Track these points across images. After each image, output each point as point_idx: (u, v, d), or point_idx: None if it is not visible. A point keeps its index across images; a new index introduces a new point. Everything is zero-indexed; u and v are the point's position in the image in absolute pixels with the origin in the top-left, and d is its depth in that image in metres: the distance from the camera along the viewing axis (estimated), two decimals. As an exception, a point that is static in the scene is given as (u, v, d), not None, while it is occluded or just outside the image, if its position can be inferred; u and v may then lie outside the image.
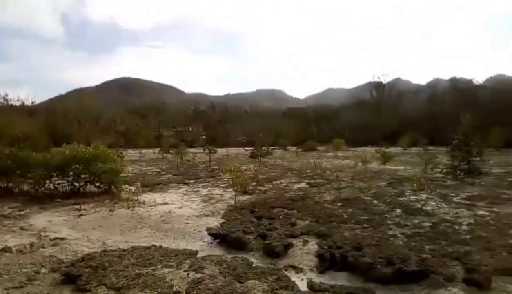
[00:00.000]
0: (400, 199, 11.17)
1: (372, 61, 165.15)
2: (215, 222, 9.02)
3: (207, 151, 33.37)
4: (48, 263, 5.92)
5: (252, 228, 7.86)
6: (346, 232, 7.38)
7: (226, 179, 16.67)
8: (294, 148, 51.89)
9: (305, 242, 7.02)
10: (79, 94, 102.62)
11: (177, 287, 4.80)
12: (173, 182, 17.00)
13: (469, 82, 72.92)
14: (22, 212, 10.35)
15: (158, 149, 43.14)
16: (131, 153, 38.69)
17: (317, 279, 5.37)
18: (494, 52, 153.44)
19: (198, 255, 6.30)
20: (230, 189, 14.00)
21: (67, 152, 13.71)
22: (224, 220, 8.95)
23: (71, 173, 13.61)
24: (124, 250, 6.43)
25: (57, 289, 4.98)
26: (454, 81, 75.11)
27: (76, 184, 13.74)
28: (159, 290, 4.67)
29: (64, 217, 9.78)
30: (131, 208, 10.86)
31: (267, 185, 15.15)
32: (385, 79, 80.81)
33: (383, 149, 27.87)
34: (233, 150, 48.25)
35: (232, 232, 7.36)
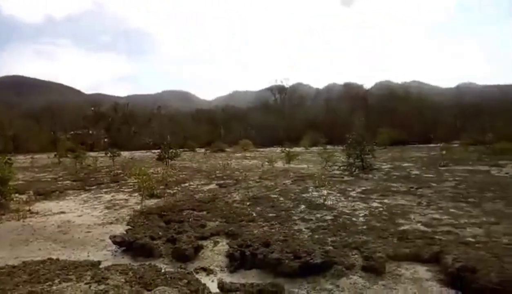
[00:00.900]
0: (304, 195, 11.78)
1: (276, 65, 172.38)
2: (120, 229, 8.51)
3: (109, 154, 31.53)
4: None
5: (160, 233, 7.59)
6: (255, 230, 7.53)
7: (131, 184, 15.90)
8: (203, 150, 51.61)
9: (216, 243, 7.01)
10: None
11: (77, 302, 4.41)
12: (72, 189, 15.67)
13: (360, 87, 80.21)
14: None
15: (54, 153, 39.49)
16: (22, 159, 34.78)
17: (227, 279, 5.38)
18: (380, 60, 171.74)
19: (101, 266, 5.87)
20: (136, 194, 13.38)
21: None
22: (130, 227, 8.49)
23: None
24: (14, 267, 5.72)
25: None
26: (347, 85, 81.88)
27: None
28: (55, 308, 4.24)
29: None
30: (22, 219, 9.74)
31: (175, 188, 14.80)
32: (287, 83, 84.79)
33: (287, 149, 29.23)
34: (139, 153, 46.29)
35: (138, 239, 7.02)
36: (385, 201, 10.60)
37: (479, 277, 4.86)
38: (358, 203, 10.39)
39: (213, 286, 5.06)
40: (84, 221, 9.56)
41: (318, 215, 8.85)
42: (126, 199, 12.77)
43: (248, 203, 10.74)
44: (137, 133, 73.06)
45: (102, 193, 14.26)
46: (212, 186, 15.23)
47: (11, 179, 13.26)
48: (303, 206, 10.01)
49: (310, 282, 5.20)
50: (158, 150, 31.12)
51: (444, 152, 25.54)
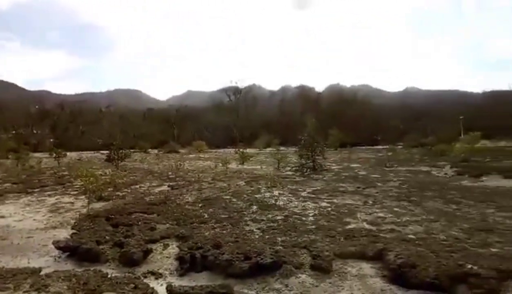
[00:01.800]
0: (257, 196, 11.87)
1: (230, 66, 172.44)
2: (64, 234, 8.11)
3: (55, 155, 29.98)
4: None
5: (107, 237, 7.31)
6: (207, 232, 7.48)
7: (78, 186, 15.20)
8: (155, 151, 50.46)
9: (166, 246, 6.87)
10: None
11: (13, 312, 4.15)
12: (12, 192, 14.69)
13: (312, 89, 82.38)
14: None
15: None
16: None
17: (177, 282, 5.29)
18: (332, 64, 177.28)
19: (42, 272, 5.55)
20: (83, 197, 12.81)
21: None
22: (75, 231, 8.12)
23: None
24: None
25: None
26: (300, 88, 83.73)
27: None
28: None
29: None
30: (-49, 226, 9.00)
31: (125, 190, 14.34)
32: (241, 84, 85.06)
33: (241, 150, 29.34)
34: (87, 154, 44.36)
35: (83, 243, 6.72)
36: (334, 200, 10.95)
37: (418, 272, 5.14)
38: (308, 203, 10.64)
39: (161, 290, 4.97)
40: (25, 226, 9.01)
41: (270, 216, 8.96)
42: (71, 202, 12.20)
43: (200, 205, 10.65)
44: (86, 132, 70.00)
45: (45, 196, 13.51)
46: (164, 187, 14.94)
47: None
48: (255, 207, 10.08)
49: (259, 283, 5.25)
50: (108, 151, 30.03)
51: (389, 153, 26.81)
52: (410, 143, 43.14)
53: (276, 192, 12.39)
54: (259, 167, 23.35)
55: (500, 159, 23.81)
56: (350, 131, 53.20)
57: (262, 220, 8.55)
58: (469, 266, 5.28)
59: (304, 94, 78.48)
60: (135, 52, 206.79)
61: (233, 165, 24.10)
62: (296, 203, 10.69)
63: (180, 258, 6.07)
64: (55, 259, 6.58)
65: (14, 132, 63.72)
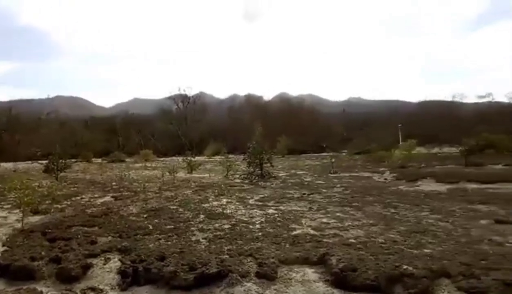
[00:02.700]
0: (204, 205, 11.77)
1: (178, 74, 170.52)
2: (-7, 251, 7.52)
3: (-15, 166, 27.74)
4: None
5: (43, 253, 6.88)
6: (151, 244, 7.29)
7: (12, 199, 14.15)
8: (99, 160, 48.34)
9: (107, 260, 6.60)
10: None
11: None
12: None
13: (260, 98, 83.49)
14: None
15: None
16: None
17: (118, 297, 5.11)
18: (280, 74, 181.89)
19: (-35, 296, 5.12)
20: (17, 210, 11.94)
21: None
22: (7, 248, 7.56)
23: None
24: None
25: None
26: (248, 96, 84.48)
27: None
28: None
29: None
30: None
31: (65, 203, 13.58)
32: (189, 92, 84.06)
33: (189, 158, 28.97)
34: (24, 165, 41.48)
35: (15, 261, 6.28)
36: (281, 207, 11.13)
37: (358, 275, 5.37)
38: (255, 210, 10.73)
39: (101, 307, 4.76)
40: None
41: (217, 225, 8.92)
42: (4, 217, 11.35)
43: (145, 216, 10.36)
44: (22, 141, 65.42)
45: (-28, 211, 12.44)
46: (107, 199, 14.36)
47: None
48: (202, 216, 9.99)
49: (204, 293, 5.20)
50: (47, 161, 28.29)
51: (333, 160, 27.77)
52: (353, 150, 45.00)
53: (224, 201, 12.37)
54: (207, 175, 23.18)
55: (434, 165, 25.57)
56: (297, 138, 54.42)
57: (209, 229, 8.49)
58: (405, 267, 5.60)
59: (253, 102, 79.31)
60: (78, 58, 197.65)
61: (181, 174, 23.71)
62: (243, 211, 10.74)
63: (122, 272, 5.86)
64: (-18, 279, 6.08)
65: None
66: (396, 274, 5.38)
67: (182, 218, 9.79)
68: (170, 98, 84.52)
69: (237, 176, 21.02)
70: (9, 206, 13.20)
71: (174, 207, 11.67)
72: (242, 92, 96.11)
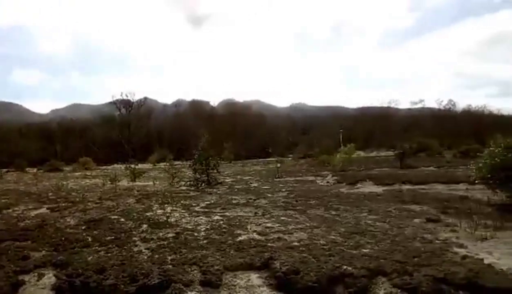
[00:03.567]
0: (148, 214, 11.43)
1: (121, 79, 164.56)
2: None
3: None
4: None
5: (-33, 272, 6.31)
6: (89, 256, 6.94)
7: None
8: (34, 169, 45.26)
9: (40, 276, 6.18)
10: None
11: None
12: None
13: (207, 103, 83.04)
14: None
15: None
16: None
17: (53, 316, 4.81)
18: (227, 79, 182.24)
19: None
20: None
21: None
22: None
23: None
24: None
25: None
26: (194, 102, 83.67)
27: None
28: None
29: None
30: None
31: (-7, 216, 12.56)
32: (132, 97, 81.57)
33: (132, 166, 28.03)
34: None
35: None
36: (226, 213, 11.11)
37: (301, 278, 5.50)
38: (201, 217, 10.61)
39: (33, 327, 4.46)
40: None
41: (160, 234, 8.70)
42: None
43: (83, 227, 9.84)
44: None
45: None
46: (42, 210, 13.46)
47: None
48: (145, 226, 9.69)
49: (147, 305, 5.06)
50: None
51: (279, 165, 28.29)
52: (298, 154, 46.17)
53: (168, 209, 12.10)
54: (151, 183, 22.55)
55: (372, 167, 26.92)
56: (244, 144, 54.85)
57: (152, 239, 8.26)
58: (345, 267, 5.84)
59: (199, 108, 78.68)
60: (11, 60, 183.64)
61: (123, 183, 22.87)
62: (188, 218, 10.58)
63: (57, 288, 5.53)
64: None
65: None
66: (336, 274, 5.59)
67: (123, 229, 9.43)
68: (112, 103, 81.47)
69: (183, 183, 20.68)
70: None
71: (116, 217, 11.21)
72: (188, 97, 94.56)
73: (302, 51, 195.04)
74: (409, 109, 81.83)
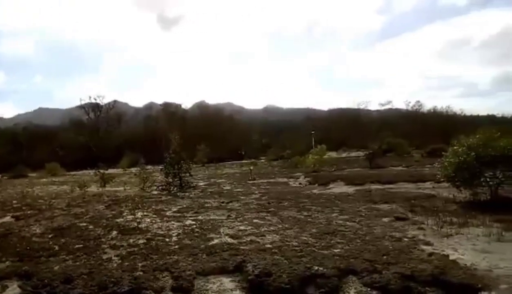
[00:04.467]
0: (118, 220, 11.18)
1: (89, 83, 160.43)
2: None
3: None
4: None
5: None
6: (56, 266, 6.71)
7: None
8: (-2, 176, 43.39)
9: (4, 288, 5.94)
10: None
11: None
12: None
13: (178, 106, 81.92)
14: None
15: None
16: None
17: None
18: (198, 82, 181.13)
19: None
20: None
21: None
22: None
23: None
24: None
25: None
26: (166, 105, 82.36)
27: None
28: None
29: None
30: None
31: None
32: (102, 101, 79.58)
33: (102, 171, 27.34)
34: None
35: None
36: (199, 217, 11.02)
37: (273, 280, 5.53)
38: (172, 222, 10.48)
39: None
40: None
41: (131, 240, 8.53)
42: None
43: (50, 236, 9.51)
44: None
45: None
46: (6, 219, 12.92)
47: None
48: (115, 232, 9.48)
49: (116, 314, 4.94)
50: None
51: (252, 167, 28.35)
52: (271, 156, 46.38)
53: (139, 214, 11.86)
54: (122, 188, 22.07)
55: (343, 168, 27.40)
56: (217, 147, 54.52)
57: (122, 246, 8.08)
58: (316, 267, 5.91)
59: (170, 111, 77.54)
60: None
61: (93, 188, 22.28)
62: (160, 224, 10.41)
63: (21, 301, 5.33)
64: None
65: None
66: (308, 275, 5.65)
67: (92, 236, 9.19)
68: (80, 107, 79.19)
69: (154, 187, 20.35)
70: None
71: (84, 224, 10.91)
72: (159, 100, 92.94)
73: (275, 53, 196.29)
74: (378, 110, 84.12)
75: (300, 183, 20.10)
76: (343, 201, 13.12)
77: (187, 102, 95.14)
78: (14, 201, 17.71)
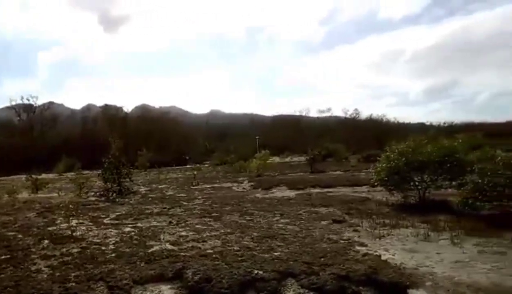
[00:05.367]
0: (50, 228, 10.54)
1: (24, 82, 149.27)
2: None
3: None
4: None
5: None
6: (-23, 281, 6.20)
7: None
8: None
9: None
10: None
11: None
12: None
13: (119, 109, 78.99)
14: None
15: None
16: None
17: None
18: (139, 85, 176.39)
19: None
20: None
21: None
22: None
23: None
24: None
25: None
26: (105, 107, 79.11)
27: None
28: None
29: None
30: None
31: None
32: (35, 102, 74.67)
33: (35, 176, 25.58)
34: None
35: None
36: (138, 224, 10.71)
37: (213, 285, 5.53)
38: (110, 230, 10.07)
39: None
40: None
41: (64, 250, 8.07)
42: None
43: (-29, 248, 8.75)
44: None
45: None
46: None
47: None
48: (46, 242, 8.91)
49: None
50: None
51: (196, 172, 28.05)
52: (215, 161, 46.22)
53: (74, 222, 11.24)
54: (56, 195, 20.78)
55: (286, 173, 28.02)
56: (160, 151, 53.29)
57: (54, 255, 7.62)
58: (256, 271, 5.99)
59: (110, 114, 74.52)
60: None
61: (24, 195, 20.79)
62: (96, 231, 9.97)
63: None
64: None
65: None
66: (248, 279, 5.71)
67: (21, 246, 8.58)
68: (10, 108, 73.67)
69: (92, 193, 19.43)
70: None
71: (12, 233, 10.15)
72: (99, 102, 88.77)
73: (219, 58, 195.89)
74: (318, 117, 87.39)
75: (244, 188, 20.22)
76: (284, 205, 13.41)
77: (128, 105, 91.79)
78: None
